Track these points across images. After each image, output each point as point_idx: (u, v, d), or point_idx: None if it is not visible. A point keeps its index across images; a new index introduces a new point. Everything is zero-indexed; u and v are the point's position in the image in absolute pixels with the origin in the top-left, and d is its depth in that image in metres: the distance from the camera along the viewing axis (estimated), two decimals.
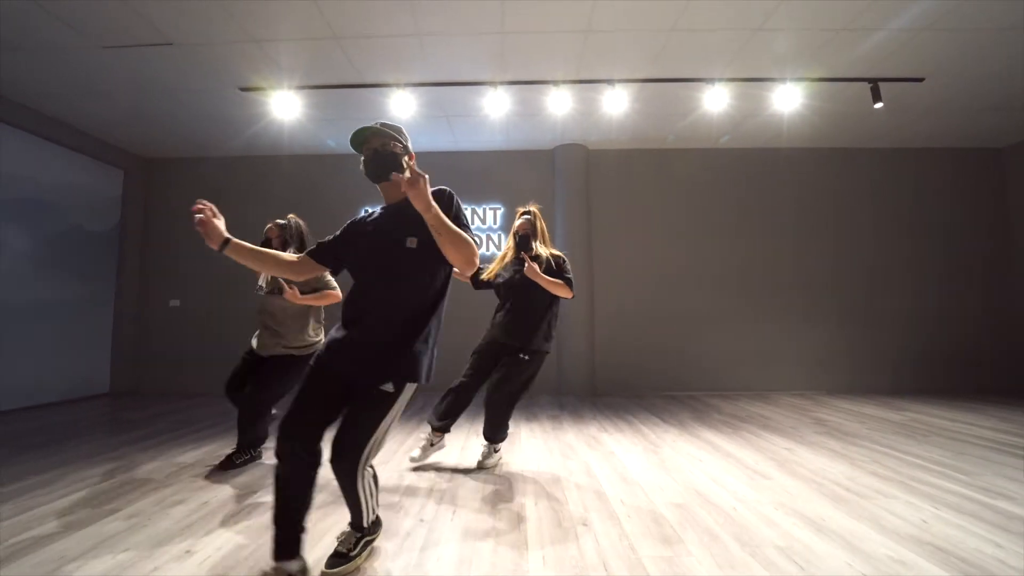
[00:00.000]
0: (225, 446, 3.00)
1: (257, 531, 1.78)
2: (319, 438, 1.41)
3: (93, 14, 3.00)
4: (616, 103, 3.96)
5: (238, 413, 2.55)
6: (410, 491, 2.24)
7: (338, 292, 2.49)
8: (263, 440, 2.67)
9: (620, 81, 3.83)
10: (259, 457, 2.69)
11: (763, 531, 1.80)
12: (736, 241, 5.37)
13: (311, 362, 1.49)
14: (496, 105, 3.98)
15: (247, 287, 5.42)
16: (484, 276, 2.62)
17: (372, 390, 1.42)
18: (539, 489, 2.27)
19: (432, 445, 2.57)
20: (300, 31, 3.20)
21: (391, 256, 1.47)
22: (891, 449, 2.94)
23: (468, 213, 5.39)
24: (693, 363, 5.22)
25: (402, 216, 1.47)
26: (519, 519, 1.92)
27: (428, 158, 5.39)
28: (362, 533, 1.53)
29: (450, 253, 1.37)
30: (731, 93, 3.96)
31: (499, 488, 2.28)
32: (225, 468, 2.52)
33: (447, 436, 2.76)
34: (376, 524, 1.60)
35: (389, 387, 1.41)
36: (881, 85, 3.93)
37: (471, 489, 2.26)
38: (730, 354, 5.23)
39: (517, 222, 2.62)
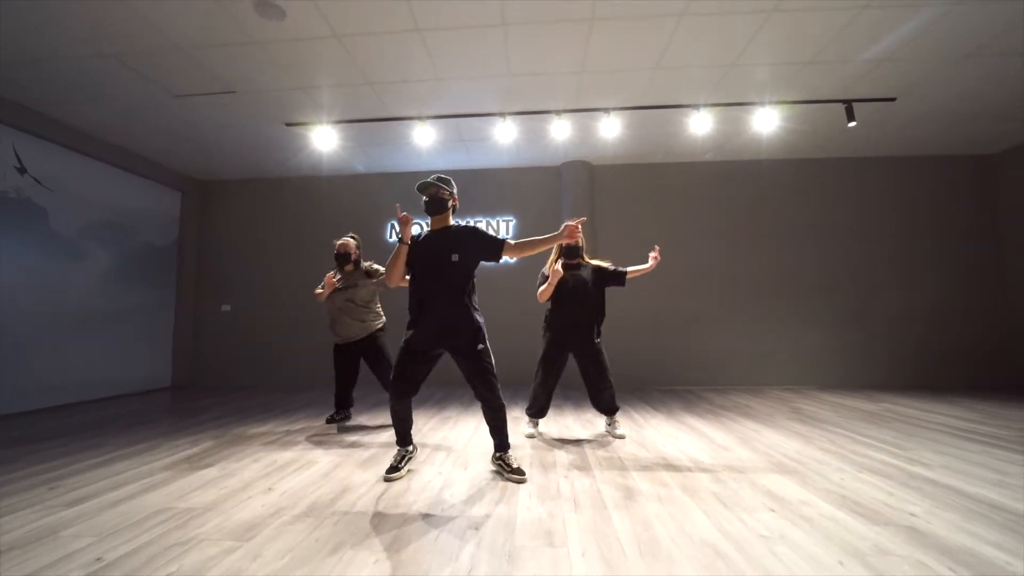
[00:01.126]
0: (279, 425, 3.64)
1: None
2: (416, 391, 2.43)
3: (166, 69, 3.68)
4: (611, 129, 4.47)
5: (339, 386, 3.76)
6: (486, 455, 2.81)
7: (374, 280, 3.69)
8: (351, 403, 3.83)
9: (614, 109, 4.34)
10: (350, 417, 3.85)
11: (706, 484, 2.29)
12: (732, 246, 5.79)
13: (406, 345, 2.37)
14: (505, 132, 4.55)
15: (289, 294, 6.16)
16: (540, 292, 3.06)
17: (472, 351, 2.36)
18: (534, 454, 2.81)
19: (536, 427, 3.34)
20: (339, 79, 3.83)
21: (442, 265, 2.35)
22: (850, 432, 3.35)
23: (483, 225, 5.97)
24: (691, 360, 5.66)
25: (445, 239, 2.40)
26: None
27: (447, 175, 6.01)
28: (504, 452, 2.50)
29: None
30: (714, 118, 4.42)
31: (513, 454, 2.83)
32: (330, 422, 3.70)
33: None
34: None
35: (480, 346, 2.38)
36: (855, 105, 4.34)
37: (484, 452, 2.82)
38: (726, 352, 5.64)
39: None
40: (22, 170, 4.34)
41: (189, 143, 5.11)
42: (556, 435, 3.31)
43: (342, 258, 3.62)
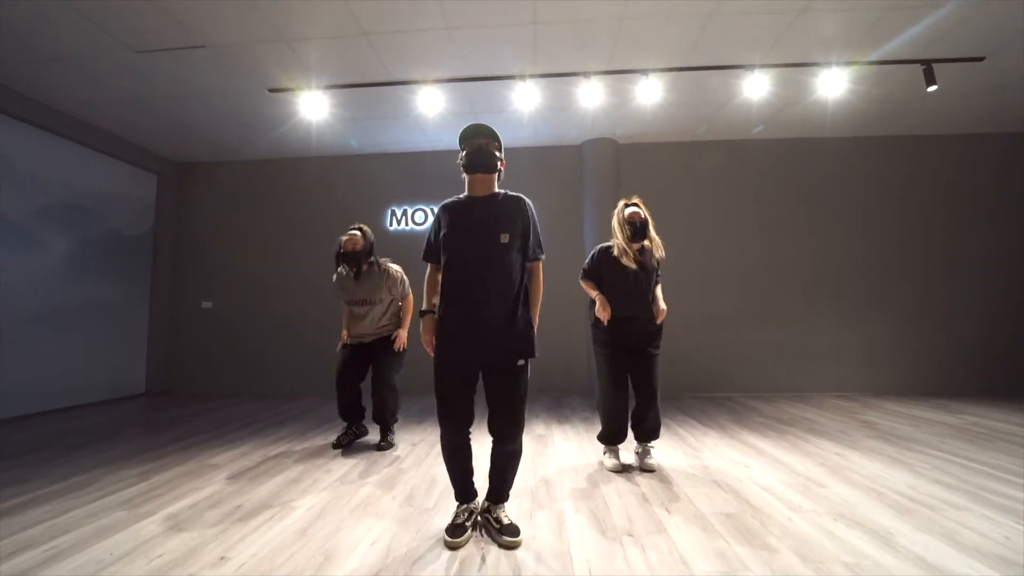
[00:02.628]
0: (256, 446, 3.00)
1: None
2: (472, 417, 1.79)
3: (125, 17, 3.03)
4: (650, 94, 3.81)
5: (376, 400, 2.98)
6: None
7: (409, 303, 3.10)
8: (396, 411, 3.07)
9: (655, 71, 3.69)
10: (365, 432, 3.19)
11: (825, 545, 1.67)
12: (771, 236, 5.14)
13: (441, 357, 1.74)
14: (525, 99, 3.90)
15: (277, 290, 5.50)
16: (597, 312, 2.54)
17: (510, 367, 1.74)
18: (577, 496, 2.18)
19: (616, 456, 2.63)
20: (330, 29, 3.17)
21: (488, 247, 1.72)
22: (952, 455, 2.74)
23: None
24: (728, 363, 5.03)
25: (492, 209, 1.77)
26: (560, 525, 1.83)
27: (455, 156, 5.34)
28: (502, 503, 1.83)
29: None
30: (771, 80, 3.77)
31: (537, 493, 2.20)
32: (338, 446, 3.00)
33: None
34: None
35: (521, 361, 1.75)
36: (936, 67, 3.69)
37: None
38: (766, 354, 5.01)
39: (628, 210, 2.56)
40: None
41: (159, 115, 4.44)
42: (596, 459, 2.68)
43: (349, 259, 2.91)
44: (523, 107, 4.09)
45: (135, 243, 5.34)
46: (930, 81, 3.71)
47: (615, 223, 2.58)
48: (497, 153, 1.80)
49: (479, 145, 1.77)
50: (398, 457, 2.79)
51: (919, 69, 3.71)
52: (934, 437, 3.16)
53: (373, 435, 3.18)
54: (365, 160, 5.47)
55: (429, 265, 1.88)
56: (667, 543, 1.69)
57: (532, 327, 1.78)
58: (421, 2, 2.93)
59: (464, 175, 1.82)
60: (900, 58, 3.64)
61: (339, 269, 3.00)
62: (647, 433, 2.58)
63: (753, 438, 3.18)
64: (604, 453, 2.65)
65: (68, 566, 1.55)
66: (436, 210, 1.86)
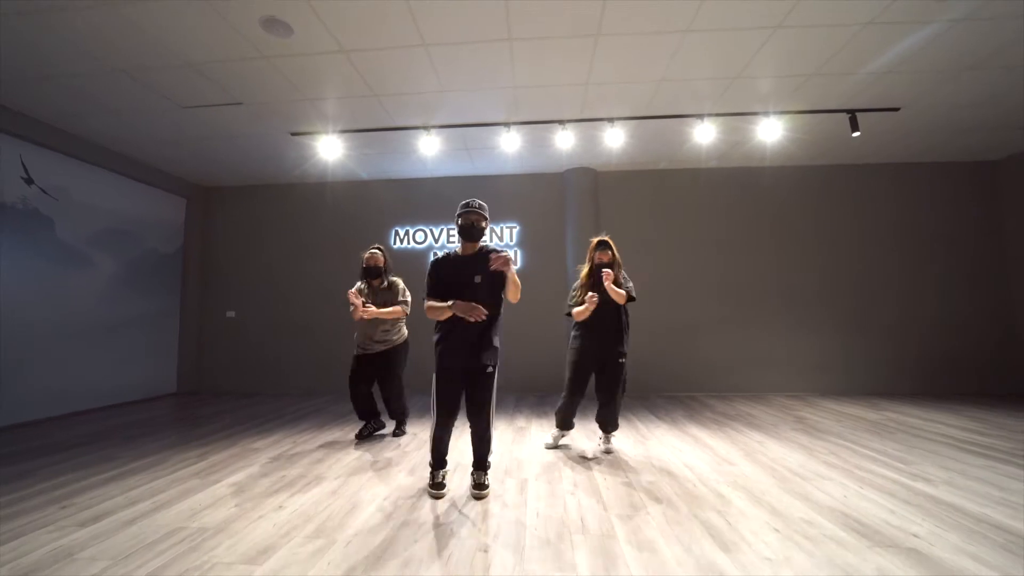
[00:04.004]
0: (286, 435, 3.67)
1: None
2: (456, 414, 2.45)
3: (178, 84, 3.71)
4: (615, 138, 4.48)
5: (385, 398, 3.63)
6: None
7: (400, 309, 3.48)
8: (406, 413, 3.75)
9: (619, 119, 4.35)
10: (383, 427, 3.75)
11: (710, 499, 2.32)
12: (735, 252, 5.80)
13: (439, 365, 2.42)
14: (510, 142, 4.56)
15: (293, 300, 6.19)
16: (576, 312, 3.05)
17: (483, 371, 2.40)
18: (540, 469, 2.83)
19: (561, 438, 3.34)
20: (345, 91, 3.84)
21: (468, 287, 2.39)
22: (852, 444, 3.37)
23: (487, 232, 5.98)
24: (694, 367, 5.68)
25: (473, 264, 2.43)
26: (522, 487, 2.49)
27: (451, 182, 6.03)
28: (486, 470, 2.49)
29: (511, 291, 2.42)
30: (718, 128, 4.44)
31: (510, 468, 2.86)
32: (361, 437, 3.57)
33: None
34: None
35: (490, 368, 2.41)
36: (859, 115, 4.35)
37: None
38: (729, 359, 5.66)
39: (597, 252, 3.09)
40: (29, 180, 4.36)
41: (195, 152, 5.13)
42: (562, 445, 3.34)
43: (371, 272, 3.48)
44: (508, 148, 4.76)
45: (168, 260, 6.01)
46: (854, 128, 4.36)
47: (587, 261, 3.17)
48: (483, 225, 2.46)
49: (472, 222, 2.43)
50: (403, 443, 3.45)
51: (844, 117, 4.38)
52: (847, 429, 3.80)
53: (390, 426, 3.83)
54: (372, 186, 6.15)
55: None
56: (597, 498, 2.36)
57: (498, 345, 2.46)
58: (419, 70, 3.59)
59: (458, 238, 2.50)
60: (827, 108, 4.30)
61: (359, 284, 3.52)
62: (605, 426, 3.20)
63: (696, 429, 3.83)
64: (554, 433, 3.33)
65: (172, 512, 2.21)
66: (430, 264, 2.50)
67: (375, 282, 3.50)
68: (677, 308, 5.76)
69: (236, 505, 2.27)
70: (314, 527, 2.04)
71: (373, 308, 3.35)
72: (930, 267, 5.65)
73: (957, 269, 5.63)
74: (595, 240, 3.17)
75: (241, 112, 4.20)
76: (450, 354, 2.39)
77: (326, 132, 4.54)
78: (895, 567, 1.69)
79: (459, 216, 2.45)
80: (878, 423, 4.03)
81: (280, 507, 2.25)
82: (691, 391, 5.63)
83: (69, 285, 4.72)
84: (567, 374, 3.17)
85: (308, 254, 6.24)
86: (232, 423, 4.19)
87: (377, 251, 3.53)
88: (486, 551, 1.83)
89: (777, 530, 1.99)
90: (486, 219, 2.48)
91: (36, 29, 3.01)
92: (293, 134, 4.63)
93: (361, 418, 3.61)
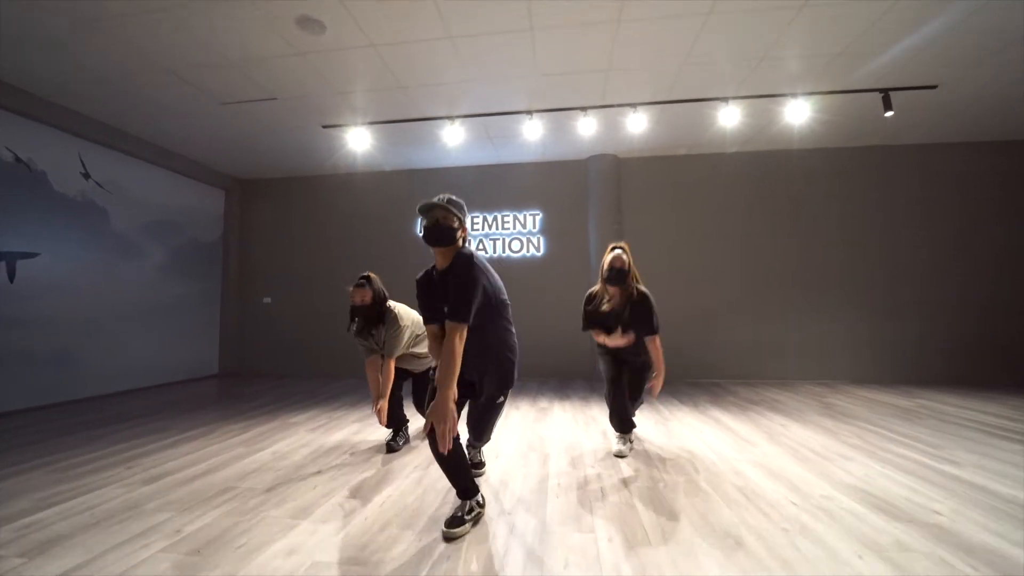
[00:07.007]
0: (322, 412, 3.89)
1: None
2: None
3: (218, 82, 3.92)
4: (638, 124, 4.48)
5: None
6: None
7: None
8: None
9: (641, 104, 4.35)
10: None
11: (729, 476, 2.37)
12: (760, 236, 5.72)
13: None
14: (532, 130, 4.62)
15: (325, 287, 6.44)
16: (595, 336, 2.80)
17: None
18: (562, 446, 2.93)
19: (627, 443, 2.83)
20: (373, 84, 3.98)
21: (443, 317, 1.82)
22: (880, 428, 3.34)
23: (510, 219, 6.09)
24: (719, 353, 5.65)
25: (444, 287, 1.85)
26: (544, 460, 2.60)
27: (474, 171, 6.13)
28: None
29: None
30: (744, 111, 4.38)
31: (532, 443, 2.97)
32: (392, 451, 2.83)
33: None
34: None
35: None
36: (892, 94, 4.21)
37: (521, 448, 2.96)
38: (755, 345, 5.61)
39: (609, 256, 2.72)
40: (86, 175, 4.69)
41: (233, 146, 5.40)
42: (584, 426, 3.43)
43: (361, 312, 2.71)
44: (531, 136, 4.82)
45: (209, 249, 6.35)
46: (887, 107, 4.24)
47: (603, 263, 2.78)
48: (455, 225, 1.83)
49: (436, 219, 1.81)
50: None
51: (877, 96, 4.25)
52: (876, 415, 3.75)
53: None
54: (398, 176, 6.32)
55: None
56: (617, 471, 2.44)
57: (509, 362, 2.01)
58: (444, 61, 3.69)
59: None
60: (858, 87, 4.18)
61: (352, 326, 2.79)
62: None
63: (718, 412, 3.85)
64: (616, 438, 2.88)
65: (224, 474, 2.42)
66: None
67: (367, 322, 2.75)
68: (701, 294, 5.73)
69: (280, 470, 2.46)
70: (347, 491, 2.20)
71: (385, 405, 2.67)
72: (960, 250, 5.44)
73: (989, 252, 5.40)
74: (611, 246, 2.81)
75: (276, 107, 4.40)
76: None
77: (355, 124, 4.70)
78: (914, 540, 1.72)
79: (421, 214, 1.85)
80: (909, 409, 3.95)
81: (319, 472, 2.43)
82: (714, 377, 5.62)
83: (123, 273, 5.07)
84: (600, 365, 2.95)
85: (337, 243, 6.48)
86: (271, 400, 4.45)
87: (361, 283, 2.71)
88: (510, 514, 1.95)
89: (795, 503, 2.04)
90: (457, 215, 1.83)
91: (100, 36, 3.25)
92: (324, 127, 4.81)
93: (388, 424, 2.83)
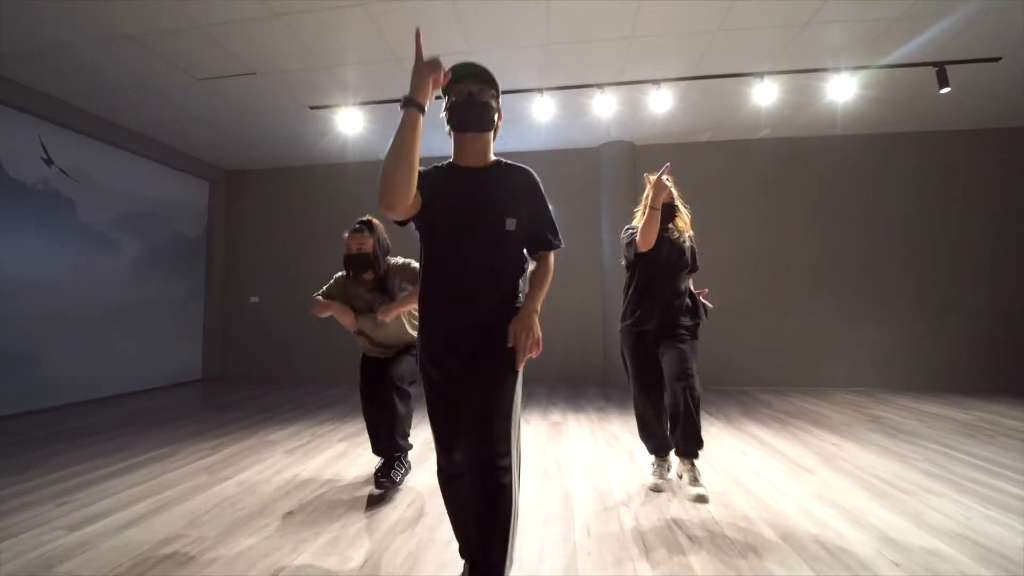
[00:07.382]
0: (306, 426, 3.42)
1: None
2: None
3: (189, 53, 3.46)
4: (661, 102, 4.01)
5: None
6: None
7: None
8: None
9: (665, 80, 3.88)
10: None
11: (798, 520, 1.91)
12: (788, 231, 5.25)
13: (424, 361, 1.34)
14: (543, 110, 4.15)
15: (317, 287, 5.95)
16: (639, 239, 2.30)
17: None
18: (584, 475, 2.47)
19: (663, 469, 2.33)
20: (364, 55, 3.52)
21: (488, 233, 1.29)
22: (948, 448, 2.88)
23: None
24: (746, 358, 5.18)
25: (492, 187, 1.32)
26: (565, 497, 2.14)
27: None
28: None
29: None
30: (781, 87, 3.90)
31: (549, 470, 2.51)
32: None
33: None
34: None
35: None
36: (949, 68, 3.74)
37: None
38: (780, 349, 5.15)
39: (653, 192, 2.25)
40: (49, 161, 4.24)
41: (214, 131, 4.93)
42: (606, 446, 2.97)
43: (357, 263, 2.26)
44: (541, 117, 4.35)
45: (192, 244, 5.89)
46: (943, 83, 3.77)
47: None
48: (494, 103, 1.31)
49: (469, 92, 1.27)
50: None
51: (931, 71, 3.77)
52: (936, 432, 3.28)
53: None
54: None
55: None
56: (658, 512, 1.98)
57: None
58: (444, 28, 3.23)
59: (450, 132, 1.33)
60: (912, 61, 3.71)
61: (339, 275, 2.43)
62: (680, 442, 2.16)
63: (756, 428, 3.39)
64: (652, 463, 2.35)
65: (175, 513, 1.97)
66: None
67: (364, 275, 2.29)
68: (722, 293, 5.24)
69: (241, 509, 2.00)
70: (323, 542, 1.74)
71: (394, 310, 2.18)
72: (1003, 249, 4.96)
73: None
74: (650, 176, 2.34)
75: (257, 84, 3.94)
76: (440, 338, 1.37)
77: (346, 104, 4.23)
78: None
79: (448, 88, 1.28)
80: (969, 424, 3.49)
81: (289, 513, 1.97)
82: (741, 385, 5.15)
83: (93, 269, 4.61)
84: (627, 367, 2.38)
85: (330, 237, 5.97)
86: (253, 412, 3.99)
87: (363, 231, 2.27)
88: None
89: (896, 564, 1.58)
90: (497, 94, 1.32)
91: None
92: (312, 108, 4.35)
93: (376, 450, 2.40)
